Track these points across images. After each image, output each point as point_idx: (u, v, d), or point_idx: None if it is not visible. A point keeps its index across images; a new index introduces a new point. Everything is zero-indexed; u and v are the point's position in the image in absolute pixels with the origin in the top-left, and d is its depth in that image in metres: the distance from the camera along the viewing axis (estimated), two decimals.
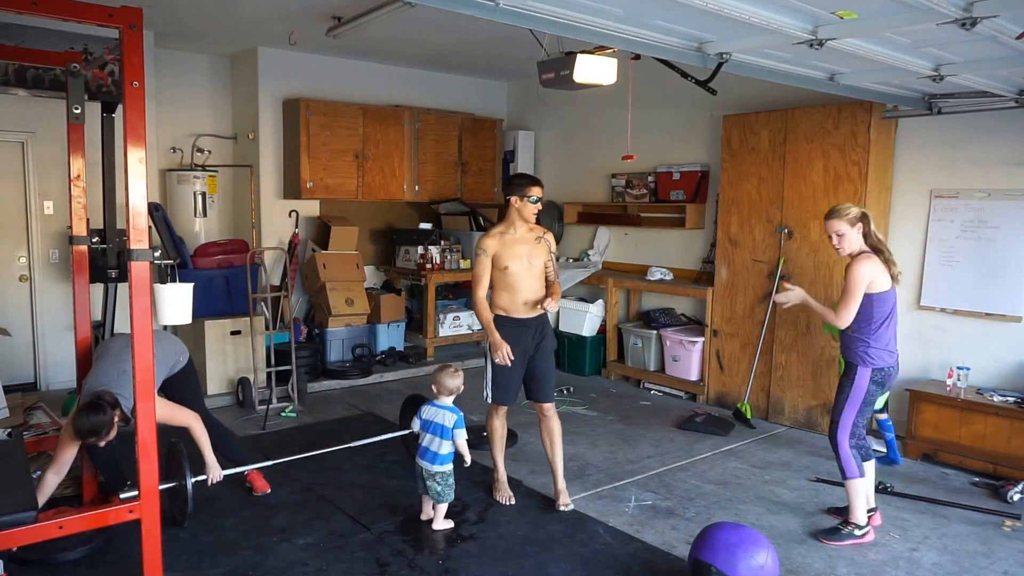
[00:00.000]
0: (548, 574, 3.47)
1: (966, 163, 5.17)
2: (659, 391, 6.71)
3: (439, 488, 3.85)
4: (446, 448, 3.87)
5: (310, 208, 7.27)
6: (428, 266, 7.41)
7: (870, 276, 3.72)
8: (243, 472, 4.18)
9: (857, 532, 3.81)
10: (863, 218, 3.74)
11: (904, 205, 5.48)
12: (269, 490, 4.37)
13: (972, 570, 3.59)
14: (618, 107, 6.95)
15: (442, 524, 3.91)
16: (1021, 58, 3.62)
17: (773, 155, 5.77)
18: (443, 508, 3.92)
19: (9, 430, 3.83)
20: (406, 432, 4.45)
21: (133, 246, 2.62)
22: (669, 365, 6.62)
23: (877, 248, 3.80)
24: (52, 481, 3.46)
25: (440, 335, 7.57)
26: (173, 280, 3.55)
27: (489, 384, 4.19)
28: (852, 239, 3.76)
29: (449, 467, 3.88)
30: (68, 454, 3.46)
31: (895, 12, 2.94)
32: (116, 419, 3.33)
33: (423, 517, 3.97)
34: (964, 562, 3.66)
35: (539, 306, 4.03)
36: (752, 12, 2.99)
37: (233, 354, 6.12)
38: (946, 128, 5.24)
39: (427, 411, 3.96)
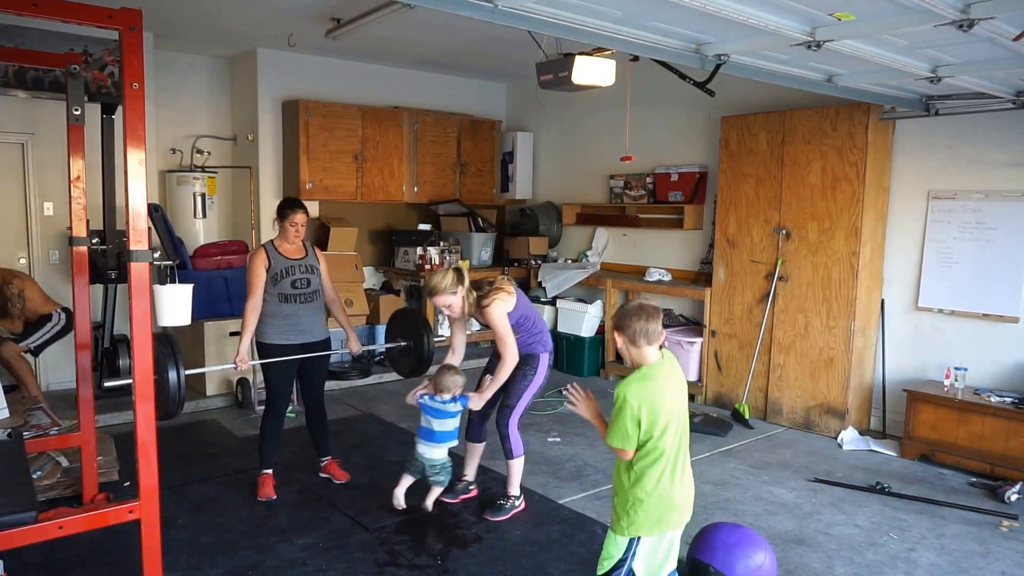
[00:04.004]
0: (547, 574, 3.48)
1: (964, 164, 5.18)
2: None
3: (439, 478, 4.02)
4: (449, 425, 3.97)
5: (309, 209, 7.23)
6: (427, 267, 7.42)
7: (505, 312, 3.93)
8: (321, 464, 4.55)
9: (516, 503, 4.13)
10: (459, 278, 3.90)
11: (902, 206, 5.49)
12: (349, 478, 4.51)
13: (970, 570, 3.60)
14: (616, 108, 6.96)
15: (430, 503, 4.08)
16: (1018, 59, 3.64)
17: (771, 156, 5.79)
18: (437, 491, 4.09)
19: (9, 430, 3.83)
20: (392, 345, 4.54)
21: (133, 247, 2.62)
22: None
23: (480, 287, 3.99)
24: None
25: (439, 335, 7.57)
26: (172, 281, 3.55)
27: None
28: (459, 303, 3.93)
29: (446, 454, 4.03)
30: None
31: (893, 14, 2.95)
32: None
33: (397, 490, 4.08)
34: (962, 562, 3.67)
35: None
36: (750, 14, 3.00)
37: (232, 355, 6.11)
38: (944, 129, 5.26)
39: (430, 403, 4.01)
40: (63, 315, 5.44)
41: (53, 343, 5.50)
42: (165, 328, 3.69)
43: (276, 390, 4.29)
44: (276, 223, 4.32)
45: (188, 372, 3.53)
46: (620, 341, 2.77)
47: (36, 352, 5.49)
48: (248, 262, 4.25)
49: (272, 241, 4.31)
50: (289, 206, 4.28)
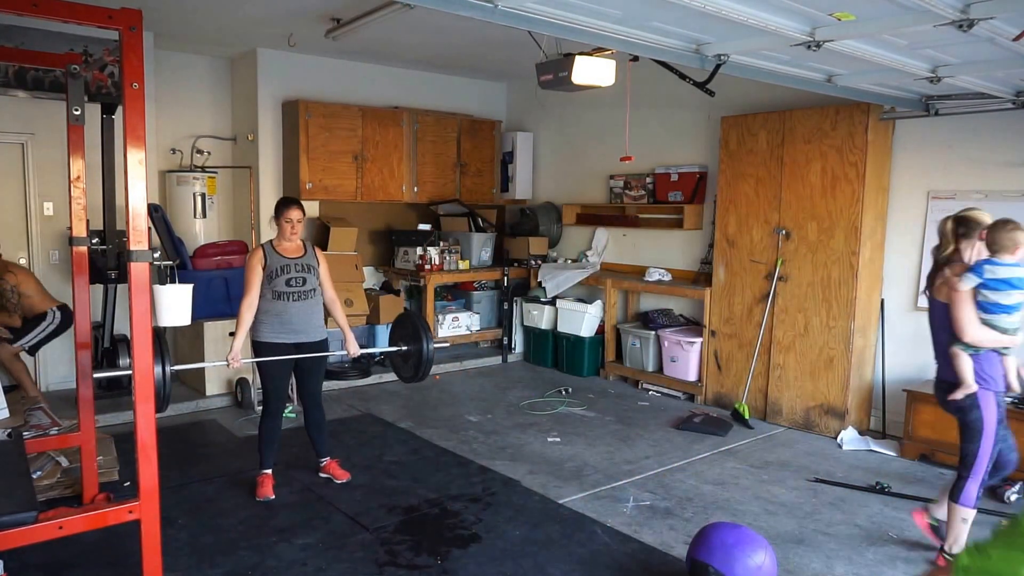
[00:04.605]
0: (547, 574, 3.48)
1: (963, 164, 5.18)
2: (657, 391, 6.72)
3: None
4: None
5: (309, 209, 7.24)
6: (427, 267, 7.42)
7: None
8: (321, 465, 4.55)
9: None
10: None
11: (901, 206, 5.49)
12: (349, 478, 4.50)
13: None
14: (616, 108, 6.97)
15: None
16: (1018, 59, 3.64)
17: (771, 156, 5.79)
18: None
19: (9, 430, 3.83)
20: (393, 349, 4.52)
21: (133, 247, 2.62)
22: (667, 366, 6.64)
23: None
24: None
25: (439, 336, 7.58)
26: (172, 281, 3.55)
27: None
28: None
29: None
30: None
31: (892, 14, 2.95)
32: None
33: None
34: None
35: None
36: (750, 14, 3.00)
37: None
38: (943, 129, 5.26)
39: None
40: (58, 313, 5.43)
41: (49, 341, 5.50)
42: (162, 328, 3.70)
43: (272, 389, 4.29)
44: (273, 222, 4.33)
45: (177, 368, 3.55)
46: None
47: (32, 351, 5.49)
48: (246, 260, 4.27)
49: (271, 241, 4.32)
50: (284, 204, 4.31)
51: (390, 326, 4.98)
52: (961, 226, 3.50)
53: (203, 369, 6.09)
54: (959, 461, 3.51)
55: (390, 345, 4.63)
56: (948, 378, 3.51)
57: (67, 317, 5.41)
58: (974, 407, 3.41)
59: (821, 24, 3.19)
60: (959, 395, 3.42)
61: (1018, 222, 3.37)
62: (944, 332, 3.48)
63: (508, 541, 3.80)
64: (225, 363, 4.05)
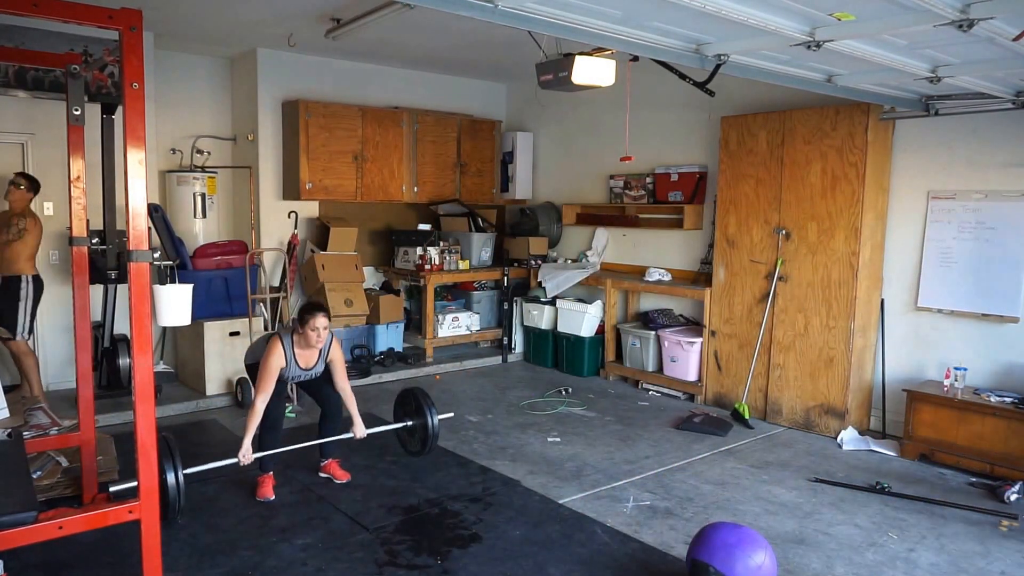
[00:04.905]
0: (547, 574, 3.48)
1: (963, 164, 5.18)
2: (657, 391, 6.72)
3: None
4: None
5: (309, 209, 7.28)
6: (427, 267, 7.42)
7: None
8: (321, 465, 4.60)
9: None
10: None
11: (901, 206, 5.50)
12: (349, 478, 4.51)
13: (969, 570, 3.60)
14: (616, 109, 6.97)
15: None
16: (1018, 59, 3.64)
17: (771, 156, 5.79)
18: None
19: (9, 430, 3.83)
20: (399, 425, 4.52)
21: (133, 247, 2.63)
22: (667, 366, 6.64)
23: None
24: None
25: (439, 336, 7.58)
26: (172, 281, 3.56)
27: None
28: None
29: None
30: None
31: (892, 14, 2.95)
32: None
33: None
34: (961, 562, 3.67)
35: None
36: (750, 14, 3.00)
37: (232, 355, 6.12)
38: (943, 129, 5.26)
39: None
40: (31, 282, 5.40)
41: (36, 309, 5.49)
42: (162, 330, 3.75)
43: (273, 418, 4.33)
44: (296, 324, 4.23)
45: (189, 471, 3.73)
46: None
47: (31, 331, 5.51)
48: (264, 356, 4.16)
49: (292, 339, 4.23)
50: (310, 311, 4.16)
51: (394, 403, 5.06)
52: None
53: (203, 369, 6.10)
54: None
55: (395, 421, 4.77)
56: None
57: (39, 285, 5.45)
58: None
59: (821, 24, 3.19)
60: None
61: None
62: None
63: (508, 541, 3.80)
64: (236, 460, 4.07)
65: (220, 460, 4.11)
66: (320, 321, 4.12)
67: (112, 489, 3.57)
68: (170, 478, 3.53)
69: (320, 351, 4.31)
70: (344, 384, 4.44)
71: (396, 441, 5.30)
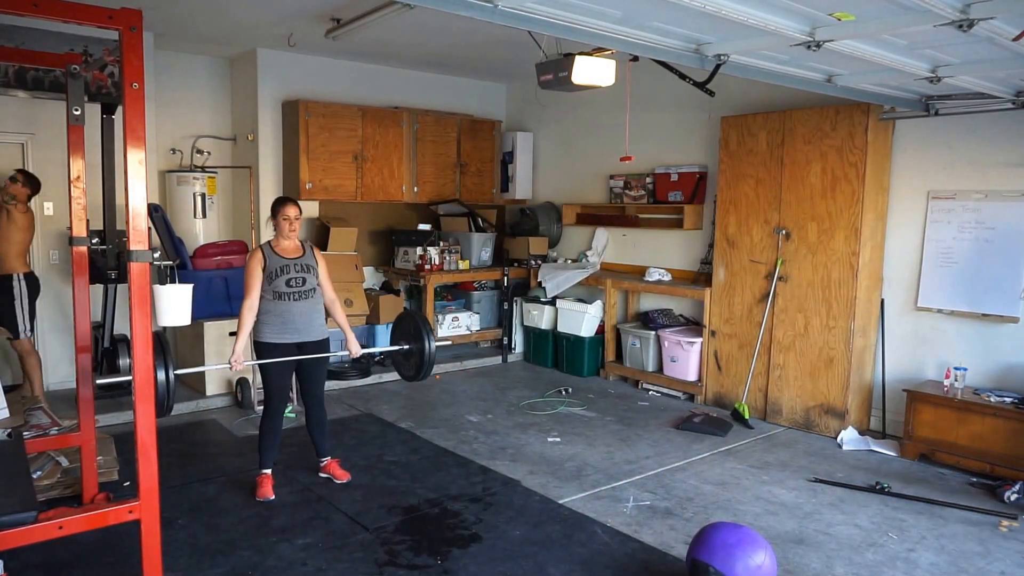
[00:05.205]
0: (547, 574, 3.48)
1: (963, 164, 5.18)
2: (657, 391, 6.72)
3: None
4: None
5: (309, 209, 7.27)
6: (427, 267, 7.42)
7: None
8: (321, 465, 4.58)
9: None
10: None
11: (901, 206, 5.50)
12: (349, 478, 4.50)
13: (969, 570, 3.60)
14: (616, 109, 6.97)
15: None
16: (1018, 59, 3.64)
17: (771, 156, 5.79)
18: None
19: (9, 430, 3.83)
20: (395, 348, 4.52)
21: (133, 247, 2.63)
22: (667, 366, 6.64)
23: None
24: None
25: (439, 335, 7.58)
26: (172, 281, 3.55)
27: None
28: None
29: None
30: None
31: (892, 14, 2.95)
32: None
33: None
34: (961, 562, 3.67)
35: None
36: (750, 14, 3.00)
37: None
38: (943, 129, 5.26)
39: None
40: (24, 280, 5.39)
41: (34, 306, 5.49)
42: (162, 329, 3.71)
43: (273, 389, 4.29)
44: (270, 223, 4.33)
45: (180, 372, 3.53)
46: None
47: (32, 329, 5.51)
48: (246, 262, 4.26)
49: (269, 242, 4.32)
50: (280, 202, 4.31)
51: (391, 325, 4.97)
52: None
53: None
54: None
55: (391, 344, 4.63)
56: None
57: (32, 283, 5.44)
58: None
59: (821, 24, 3.19)
60: None
61: None
62: None
63: (508, 541, 3.80)
64: (228, 366, 4.04)
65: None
66: (291, 210, 4.25)
67: None
68: (160, 375, 3.37)
69: (302, 244, 4.37)
70: (331, 292, 4.46)
71: (396, 441, 5.31)
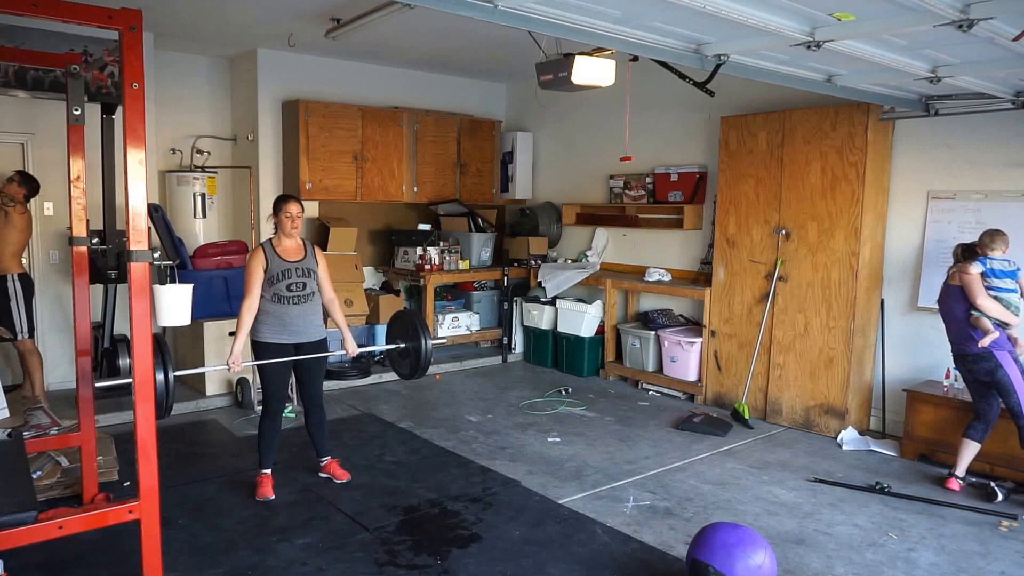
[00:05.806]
0: (547, 574, 3.48)
1: (963, 164, 5.18)
2: (657, 391, 6.72)
3: None
4: None
5: (309, 209, 7.26)
6: (427, 267, 7.42)
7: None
8: (321, 465, 4.57)
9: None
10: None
11: (901, 206, 5.50)
12: (349, 478, 4.50)
13: (969, 570, 3.60)
14: (616, 109, 6.97)
15: None
16: (1018, 60, 3.64)
17: (771, 156, 5.79)
18: None
19: (9, 430, 3.83)
20: (392, 347, 4.52)
21: (132, 247, 2.63)
22: (667, 366, 6.64)
23: None
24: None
25: (439, 335, 7.58)
26: (172, 281, 3.55)
27: None
28: None
29: None
30: None
31: (892, 14, 2.95)
32: None
33: None
34: (961, 562, 3.67)
35: None
36: (750, 14, 3.01)
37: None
38: (943, 130, 5.26)
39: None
40: (18, 280, 5.38)
41: (31, 307, 5.48)
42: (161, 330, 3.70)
43: (272, 389, 4.29)
44: (272, 220, 4.30)
45: (179, 373, 3.53)
46: None
47: (32, 329, 5.51)
48: (246, 262, 4.24)
49: (270, 240, 4.30)
50: (282, 199, 4.29)
51: (387, 324, 4.97)
52: (967, 249, 4.56)
53: (203, 367, 6.09)
54: (1012, 417, 4.35)
55: (388, 343, 4.63)
56: (968, 349, 4.43)
57: (27, 283, 5.44)
58: (998, 367, 4.33)
59: (821, 24, 3.19)
60: (986, 341, 4.33)
61: (1003, 231, 4.46)
62: (959, 305, 4.46)
63: (508, 541, 3.80)
64: (226, 366, 4.04)
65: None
66: (293, 208, 4.22)
67: None
68: (159, 376, 3.37)
69: (303, 244, 4.35)
70: (330, 292, 4.45)
71: (396, 441, 5.31)
